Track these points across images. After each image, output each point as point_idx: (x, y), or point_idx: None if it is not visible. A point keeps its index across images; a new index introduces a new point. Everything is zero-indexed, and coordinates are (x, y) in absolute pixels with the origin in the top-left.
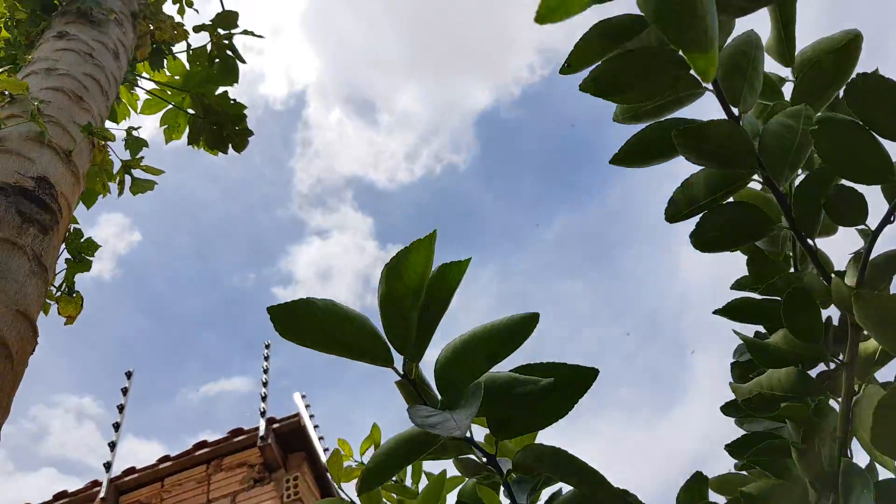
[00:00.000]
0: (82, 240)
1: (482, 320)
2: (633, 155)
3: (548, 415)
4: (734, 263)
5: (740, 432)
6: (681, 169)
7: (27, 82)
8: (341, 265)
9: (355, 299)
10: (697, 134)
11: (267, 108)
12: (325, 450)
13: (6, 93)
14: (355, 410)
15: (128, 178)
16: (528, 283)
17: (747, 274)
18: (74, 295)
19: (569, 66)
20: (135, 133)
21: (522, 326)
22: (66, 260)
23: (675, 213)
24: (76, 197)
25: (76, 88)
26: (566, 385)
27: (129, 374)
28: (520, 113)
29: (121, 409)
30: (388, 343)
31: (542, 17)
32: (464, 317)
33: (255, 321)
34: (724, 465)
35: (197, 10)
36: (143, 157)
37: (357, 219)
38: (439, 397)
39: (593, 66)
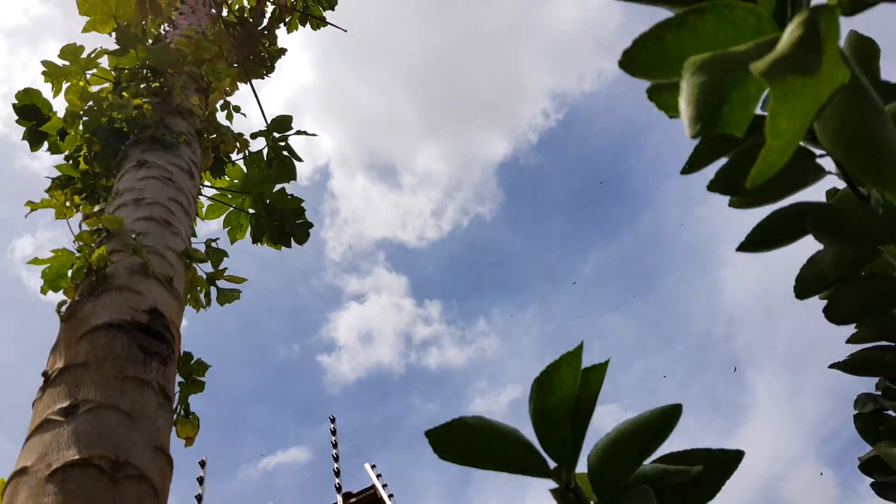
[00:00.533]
0: (192, 362)
1: (530, 365)
2: (761, 242)
3: (700, 502)
4: (779, 279)
5: (812, 449)
6: (715, 197)
7: (122, 217)
8: (381, 326)
9: (399, 358)
10: (833, 221)
11: (294, 186)
12: None
13: (102, 228)
14: (414, 468)
15: (213, 289)
16: (570, 321)
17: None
18: (191, 416)
19: (690, 168)
20: (214, 244)
21: (668, 418)
22: (179, 382)
23: (804, 289)
24: (181, 319)
25: (164, 214)
26: (715, 470)
27: (202, 463)
28: (539, 157)
29: (199, 499)
30: (543, 454)
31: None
32: (510, 363)
33: (303, 391)
34: (796, 484)
35: (245, 115)
36: (226, 269)
37: (391, 279)
38: (594, 501)
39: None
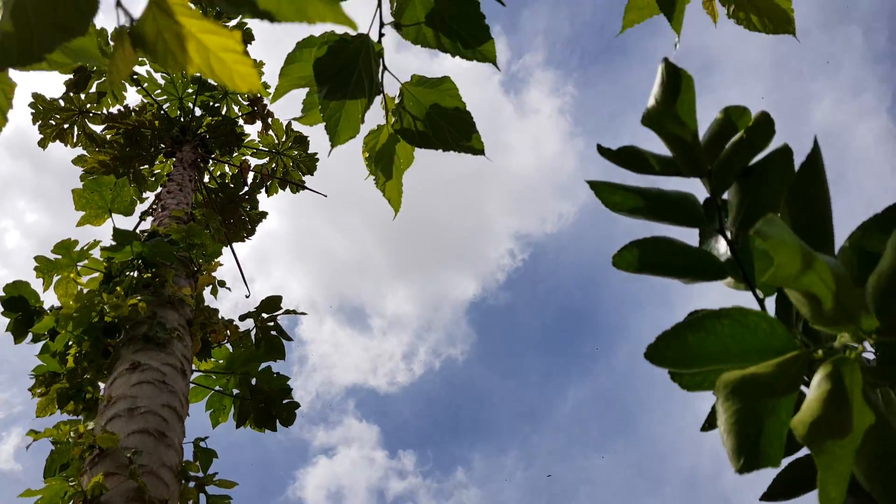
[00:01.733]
0: None
1: None
2: (784, 493)
3: None
4: None
5: None
6: (676, 297)
7: (117, 435)
8: (352, 482)
9: None
10: None
11: None
12: None
13: (95, 445)
14: None
15: (202, 496)
16: (554, 464)
17: None
18: None
19: (709, 426)
20: (202, 444)
21: None
22: None
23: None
24: None
25: (158, 425)
26: None
27: None
28: (508, 296)
29: None
30: None
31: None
32: None
33: None
34: None
35: (230, 289)
36: (216, 473)
37: (362, 429)
38: None
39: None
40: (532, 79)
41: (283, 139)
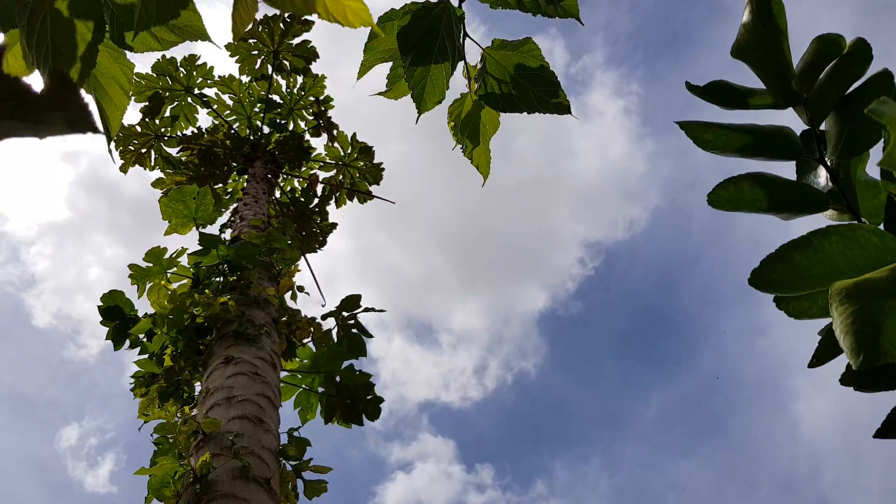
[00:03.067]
0: None
1: None
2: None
3: None
4: (859, 410)
5: None
6: (775, 326)
7: (219, 420)
8: (430, 497)
9: None
10: None
11: None
12: None
13: (199, 430)
14: None
15: (299, 481)
16: (640, 470)
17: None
18: None
19: (817, 362)
20: (295, 433)
21: None
22: None
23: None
24: None
25: (255, 412)
26: None
27: None
28: (581, 304)
29: None
30: None
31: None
32: None
33: None
34: None
35: (308, 294)
36: (311, 459)
37: (438, 444)
38: None
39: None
40: (593, 80)
41: (349, 150)
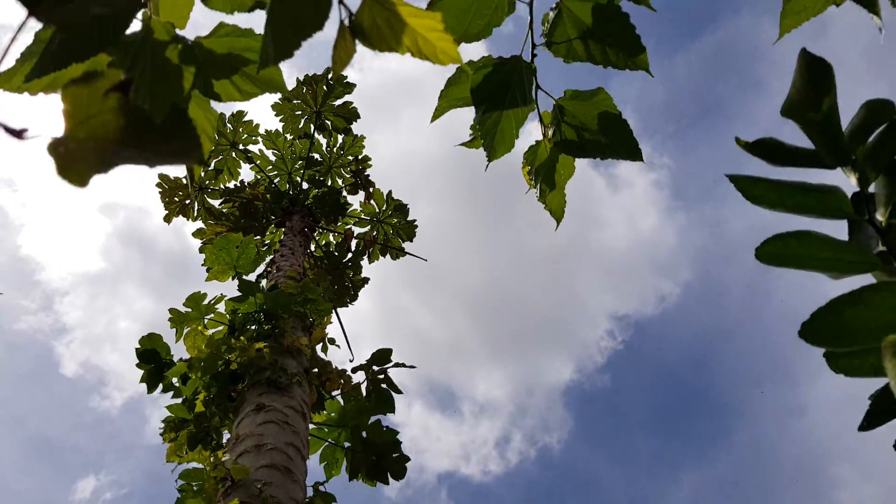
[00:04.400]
0: None
1: None
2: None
3: None
4: None
5: None
6: (814, 408)
7: (248, 467)
8: None
9: None
10: None
11: None
12: None
13: (228, 477)
14: None
15: None
16: None
17: None
18: None
19: (868, 426)
20: (321, 488)
21: None
22: None
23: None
24: None
25: (284, 461)
26: None
27: None
28: (609, 378)
29: None
30: None
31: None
32: None
33: None
34: None
35: (338, 346)
36: None
37: None
38: None
39: None
40: None
41: (384, 207)
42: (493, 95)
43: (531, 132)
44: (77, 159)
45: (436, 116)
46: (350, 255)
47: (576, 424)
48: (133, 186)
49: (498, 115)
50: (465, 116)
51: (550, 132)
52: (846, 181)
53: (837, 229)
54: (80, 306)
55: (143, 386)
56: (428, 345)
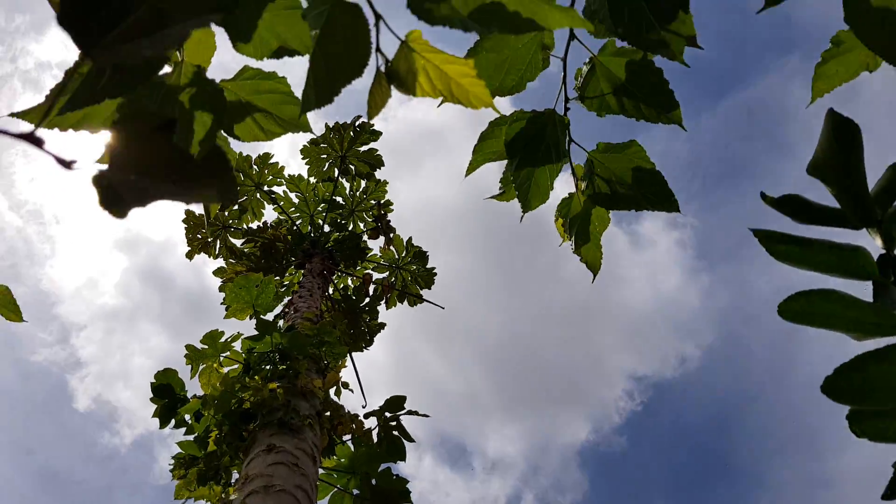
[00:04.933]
0: None
1: None
2: None
3: None
4: None
5: None
6: (840, 481)
7: None
8: None
9: None
10: None
11: None
12: None
13: None
14: None
15: None
16: None
17: None
18: None
19: (891, 494)
20: None
21: None
22: None
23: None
24: None
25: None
26: None
27: None
28: (626, 439)
29: None
30: None
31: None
32: None
33: None
34: None
35: (352, 391)
36: None
37: None
38: None
39: None
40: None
41: (404, 254)
42: (527, 148)
43: (564, 181)
44: (118, 192)
45: (470, 170)
46: (368, 299)
47: (591, 487)
48: (155, 223)
49: (532, 168)
50: (486, 167)
51: (584, 185)
52: (871, 242)
53: (862, 291)
54: (96, 341)
55: (153, 424)
56: (441, 396)
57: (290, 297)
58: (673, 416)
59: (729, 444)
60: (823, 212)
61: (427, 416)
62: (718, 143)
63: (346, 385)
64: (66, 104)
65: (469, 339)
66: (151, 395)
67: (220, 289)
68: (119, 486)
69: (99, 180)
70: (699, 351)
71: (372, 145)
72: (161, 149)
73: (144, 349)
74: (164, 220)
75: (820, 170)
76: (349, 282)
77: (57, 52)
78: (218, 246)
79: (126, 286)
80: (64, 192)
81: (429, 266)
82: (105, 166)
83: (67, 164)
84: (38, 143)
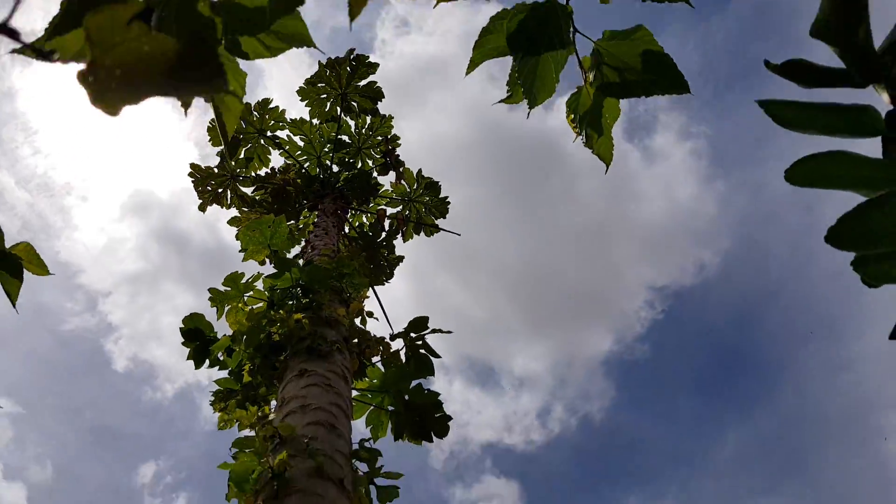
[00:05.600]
0: None
1: None
2: None
3: None
4: None
5: None
6: (860, 362)
7: (294, 424)
8: None
9: None
10: None
11: None
12: None
13: (276, 434)
14: None
15: (372, 487)
16: None
17: None
18: None
19: None
20: (367, 444)
21: None
22: None
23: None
24: None
25: (328, 419)
26: None
27: None
28: (649, 346)
29: None
30: None
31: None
32: None
33: None
34: None
35: (377, 319)
36: (381, 466)
37: (501, 485)
38: None
39: None
40: (657, 123)
41: (415, 186)
42: (530, 40)
43: (570, 76)
44: (107, 87)
45: (470, 69)
46: (384, 234)
47: (617, 393)
48: (164, 185)
49: (536, 60)
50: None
51: (591, 76)
52: (879, 101)
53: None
54: (123, 305)
55: (192, 376)
56: (465, 323)
57: (306, 239)
58: (694, 321)
59: (750, 341)
60: (828, 72)
61: (450, 332)
62: (730, 46)
63: (370, 314)
64: (58, 24)
65: (489, 267)
66: (183, 340)
67: (237, 237)
68: (169, 435)
69: (85, 77)
70: (717, 257)
71: (371, 78)
72: (142, 40)
73: (171, 308)
74: (171, 180)
75: (822, 30)
76: (364, 219)
77: None
78: (229, 196)
79: (144, 250)
80: (69, 159)
81: (441, 196)
82: (87, 64)
83: (46, 56)
84: (12, 34)
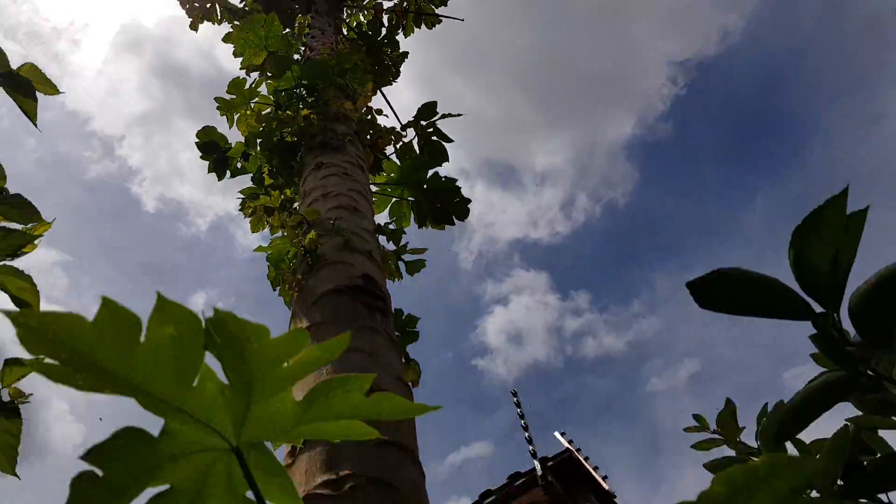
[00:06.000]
0: (403, 317)
1: (705, 332)
2: None
3: None
4: None
5: None
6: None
7: (318, 209)
8: (530, 325)
9: (555, 354)
10: None
11: None
12: (604, 477)
13: (304, 220)
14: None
15: (400, 263)
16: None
17: None
18: (411, 363)
19: None
20: (390, 227)
21: None
22: (396, 336)
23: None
24: (385, 283)
25: (350, 202)
26: None
27: None
28: (673, 122)
29: None
30: (806, 298)
31: None
32: (682, 336)
33: (466, 391)
34: None
35: (387, 116)
36: (406, 244)
37: (531, 277)
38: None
39: None
40: None
41: None
42: None
43: None
44: None
45: None
46: (384, 31)
47: (641, 175)
48: (150, 15)
49: None
50: None
51: None
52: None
53: None
54: (139, 147)
55: (222, 209)
56: (481, 125)
57: (304, 44)
58: (719, 91)
59: (777, 104)
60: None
61: (460, 115)
62: None
63: (379, 112)
64: None
65: (499, 60)
66: (200, 154)
67: (234, 52)
68: (211, 265)
69: None
70: (742, 21)
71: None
72: None
73: (187, 144)
74: (156, 9)
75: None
76: (361, 18)
77: None
78: (219, 10)
79: (147, 89)
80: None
81: None
82: None
83: None
84: None
